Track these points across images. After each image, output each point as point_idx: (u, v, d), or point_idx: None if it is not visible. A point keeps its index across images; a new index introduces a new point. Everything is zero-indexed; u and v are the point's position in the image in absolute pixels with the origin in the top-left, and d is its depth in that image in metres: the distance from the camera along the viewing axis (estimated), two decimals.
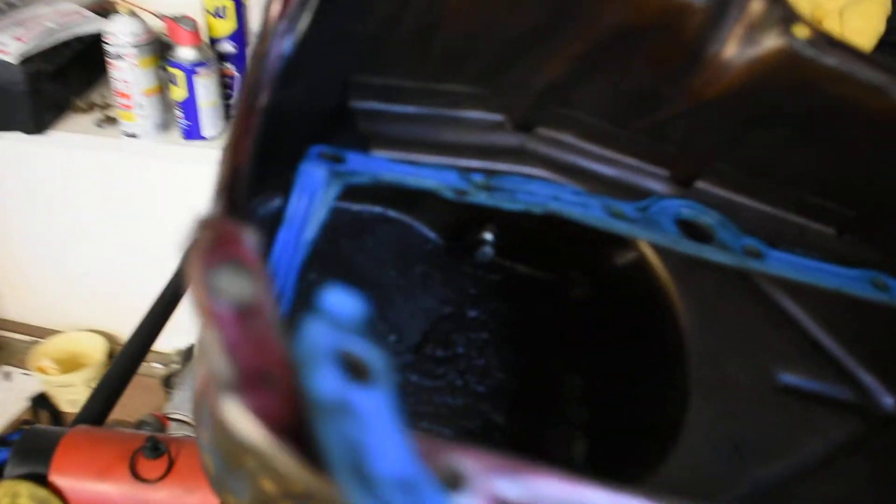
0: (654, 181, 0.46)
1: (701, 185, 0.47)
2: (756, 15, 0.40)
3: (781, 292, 0.47)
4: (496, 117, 0.45)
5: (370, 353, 0.22)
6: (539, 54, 0.40)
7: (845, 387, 0.46)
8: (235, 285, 0.22)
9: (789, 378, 0.45)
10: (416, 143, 0.42)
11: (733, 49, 0.40)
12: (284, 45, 0.32)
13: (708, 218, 0.45)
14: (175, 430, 0.80)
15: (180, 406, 0.85)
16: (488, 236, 0.50)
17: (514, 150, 0.45)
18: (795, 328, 0.46)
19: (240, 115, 0.31)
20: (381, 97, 0.42)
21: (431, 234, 0.51)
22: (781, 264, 0.44)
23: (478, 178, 0.41)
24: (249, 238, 0.23)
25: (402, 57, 0.40)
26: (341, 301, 0.24)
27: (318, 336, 0.22)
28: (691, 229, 0.45)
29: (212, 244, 0.23)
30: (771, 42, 0.39)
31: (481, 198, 0.39)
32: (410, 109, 0.43)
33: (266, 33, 0.32)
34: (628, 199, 0.45)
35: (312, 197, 0.35)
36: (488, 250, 0.50)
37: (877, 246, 0.49)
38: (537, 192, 0.42)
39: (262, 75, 0.31)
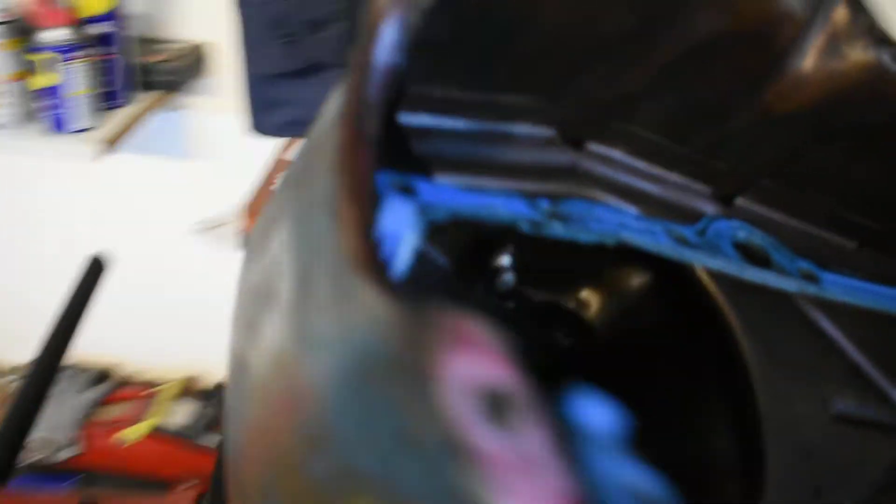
0: (697, 199, 0.43)
1: (740, 201, 0.44)
2: (840, 25, 0.36)
3: (818, 311, 0.45)
4: (547, 132, 0.40)
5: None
6: (620, 62, 0.35)
7: (886, 409, 0.45)
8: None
9: (841, 405, 0.43)
10: (471, 165, 0.37)
11: (813, 61, 0.37)
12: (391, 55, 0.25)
13: (759, 239, 0.42)
14: None
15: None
16: (506, 261, 0.45)
17: (567, 170, 0.40)
18: (836, 351, 0.44)
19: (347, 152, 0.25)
20: (434, 109, 0.36)
21: (441, 259, 0.46)
22: (838, 289, 0.41)
23: (545, 206, 0.36)
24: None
25: (473, 60, 0.34)
26: (598, 414, 0.18)
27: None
28: (747, 252, 0.42)
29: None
30: (856, 55, 0.36)
31: (557, 230, 0.34)
32: (461, 124, 0.37)
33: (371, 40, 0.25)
34: (674, 219, 0.41)
35: (397, 242, 0.29)
36: (509, 277, 0.45)
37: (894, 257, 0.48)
38: (604, 218, 0.37)
39: (368, 94, 0.25)
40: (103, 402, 1.43)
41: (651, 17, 0.34)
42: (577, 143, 0.41)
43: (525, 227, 0.35)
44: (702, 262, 0.39)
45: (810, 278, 0.42)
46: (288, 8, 0.79)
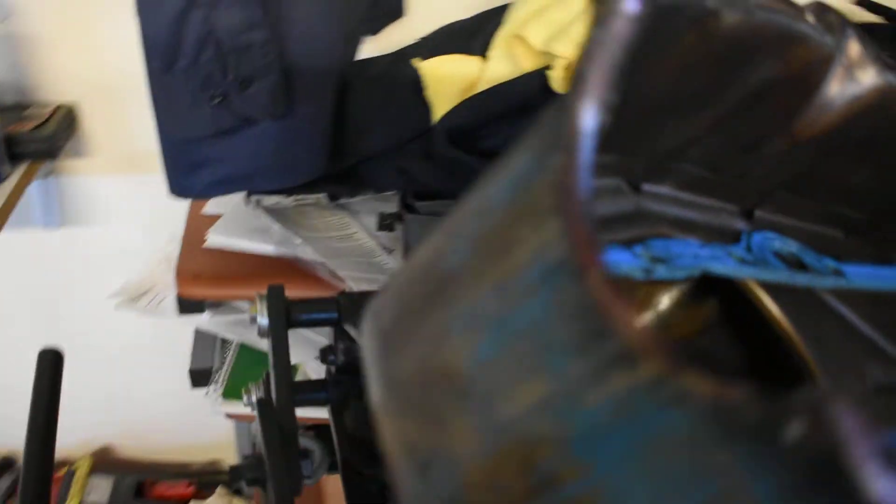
0: (731, 218, 0.48)
1: (758, 213, 0.50)
2: (854, 56, 0.42)
3: (834, 299, 0.51)
4: (614, 181, 0.43)
5: None
6: (689, 116, 0.40)
7: None
8: None
9: (874, 378, 0.49)
10: None
11: (835, 89, 0.43)
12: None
13: (789, 246, 0.48)
14: None
15: None
16: None
17: (634, 213, 0.44)
18: (856, 331, 0.51)
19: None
20: None
21: None
22: (858, 278, 0.48)
23: (640, 252, 0.39)
24: None
25: None
26: None
27: None
28: (784, 259, 0.47)
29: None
30: (868, 79, 0.43)
31: (662, 272, 0.38)
32: None
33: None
34: (721, 241, 0.46)
35: None
36: None
37: (876, 242, 0.55)
38: (681, 253, 0.41)
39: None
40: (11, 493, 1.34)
41: (723, 76, 0.38)
42: (635, 187, 0.45)
43: (640, 276, 0.38)
44: (762, 277, 0.44)
45: (838, 273, 0.48)
46: (215, 69, 0.78)
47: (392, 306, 0.38)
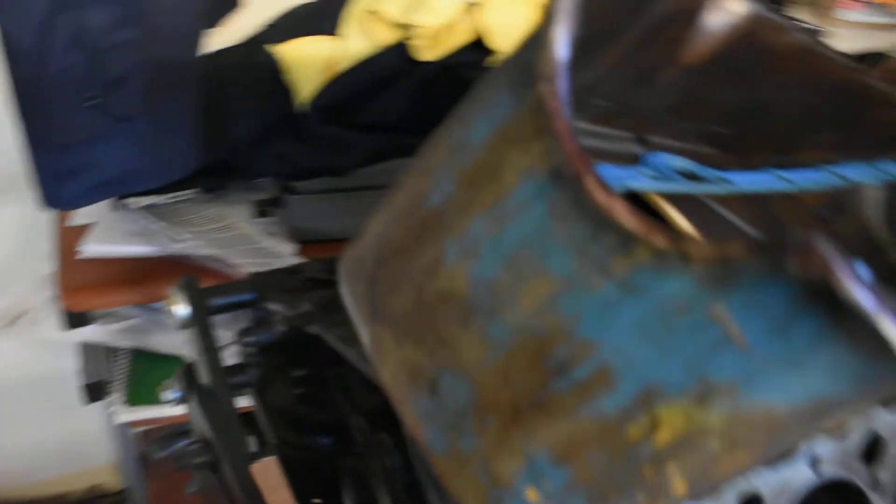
0: (631, 145, 0.55)
1: (651, 137, 0.57)
2: None
3: (718, 205, 0.60)
4: None
5: None
6: (601, 54, 0.46)
7: None
8: None
9: None
10: None
11: (712, 19, 0.50)
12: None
13: (682, 163, 0.55)
14: None
15: None
16: None
17: None
18: (740, 231, 0.59)
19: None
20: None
21: None
22: (744, 183, 0.56)
23: None
24: None
25: None
26: None
27: None
28: (684, 175, 0.55)
29: None
30: (739, 8, 0.50)
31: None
32: None
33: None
34: (628, 165, 0.53)
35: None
36: None
37: (741, 153, 0.64)
38: (607, 175, 0.48)
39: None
40: None
41: (630, 13, 0.44)
42: None
43: None
44: (675, 190, 0.51)
45: (726, 181, 0.56)
46: (87, 71, 0.77)
47: (374, 252, 0.41)
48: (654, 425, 0.33)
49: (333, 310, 0.62)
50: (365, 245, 0.42)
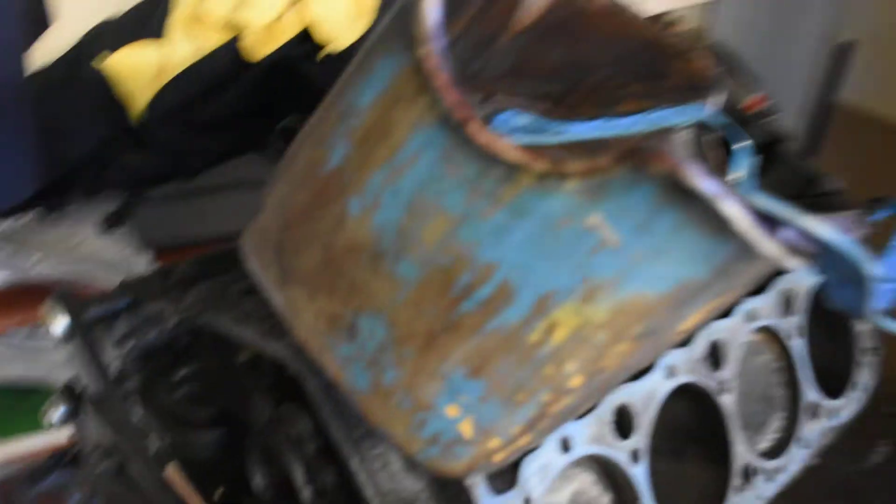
0: (481, 106, 0.61)
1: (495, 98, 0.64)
2: None
3: None
4: None
5: None
6: (451, 22, 0.52)
7: None
8: None
9: None
10: None
11: None
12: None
13: (526, 119, 0.63)
14: None
15: None
16: None
17: None
18: None
19: None
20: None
21: None
22: (580, 131, 0.64)
23: None
24: None
25: None
26: None
27: None
28: (528, 129, 0.62)
29: None
30: None
31: None
32: None
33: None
34: None
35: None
36: None
37: (569, 106, 0.72)
38: None
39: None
40: None
41: None
42: None
43: None
44: (524, 143, 0.58)
45: (562, 132, 0.64)
46: None
47: (277, 221, 0.45)
48: (550, 327, 0.39)
49: (219, 298, 0.65)
50: (267, 216, 0.46)
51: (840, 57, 1.54)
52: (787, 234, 0.36)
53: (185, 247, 0.98)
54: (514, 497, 0.52)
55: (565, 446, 0.55)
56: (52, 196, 0.97)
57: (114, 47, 0.99)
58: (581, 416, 0.57)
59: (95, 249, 0.96)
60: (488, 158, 0.37)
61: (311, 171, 0.43)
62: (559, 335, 0.39)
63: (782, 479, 0.74)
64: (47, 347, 0.91)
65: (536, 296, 0.38)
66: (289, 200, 0.45)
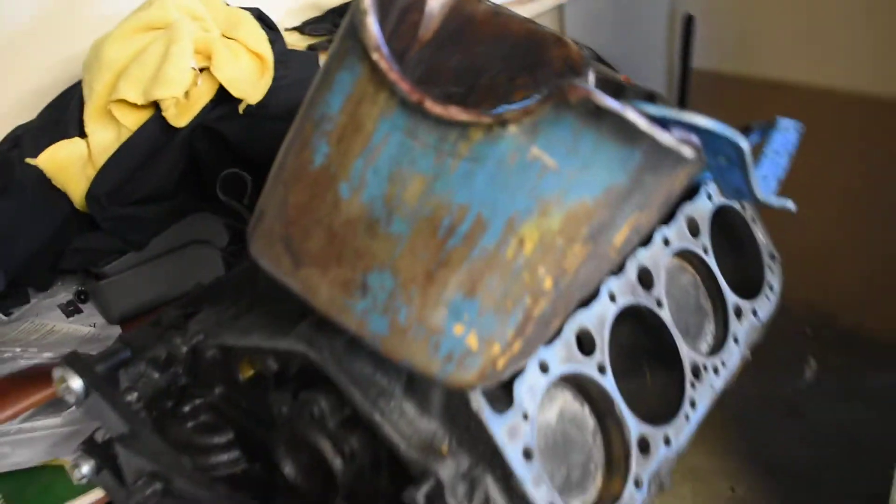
0: None
1: None
2: None
3: None
4: None
5: None
6: None
7: None
8: None
9: None
10: None
11: (432, 3, 0.71)
12: None
13: None
14: None
15: None
16: None
17: None
18: None
19: None
20: None
21: None
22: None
23: None
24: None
25: None
26: None
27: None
28: None
29: None
30: None
31: None
32: None
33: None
34: None
35: None
36: None
37: (474, 107, 0.85)
38: None
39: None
40: None
41: (385, 4, 0.63)
42: None
43: None
44: None
45: None
46: None
47: (280, 219, 0.56)
48: (520, 242, 0.51)
49: (217, 323, 0.75)
50: (268, 220, 0.57)
51: (686, 28, 1.75)
52: (676, 131, 0.50)
53: (150, 311, 1.06)
54: (513, 414, 0.63)
55: (544, 368, 0.67)
56: (9, 297, 1.04)
57: (36, 147, 1.07)
58: (551, 342, 0.69)
59: (67, 332, 1.03)
60: (444, 124, 0.49)
61: (301, 172, 0.55)
62: (528, 247, 0.51)
63: (725, 374, 0.88)
64: (45, 428, 0.98)
65: (504, 221, 0.50)
66: (286, 200, 0.56)
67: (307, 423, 0.69)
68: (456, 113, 0.49)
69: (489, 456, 0.62)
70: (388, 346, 0.54)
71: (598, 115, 0.47)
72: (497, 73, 0.84)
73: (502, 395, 0.65)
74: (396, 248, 0.52)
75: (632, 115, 0.47)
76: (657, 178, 0.53)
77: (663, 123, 0.49)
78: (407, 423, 0.64)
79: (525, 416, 0.64)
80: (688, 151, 0.50)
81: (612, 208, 0.53)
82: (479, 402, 0.61)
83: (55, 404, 0.99)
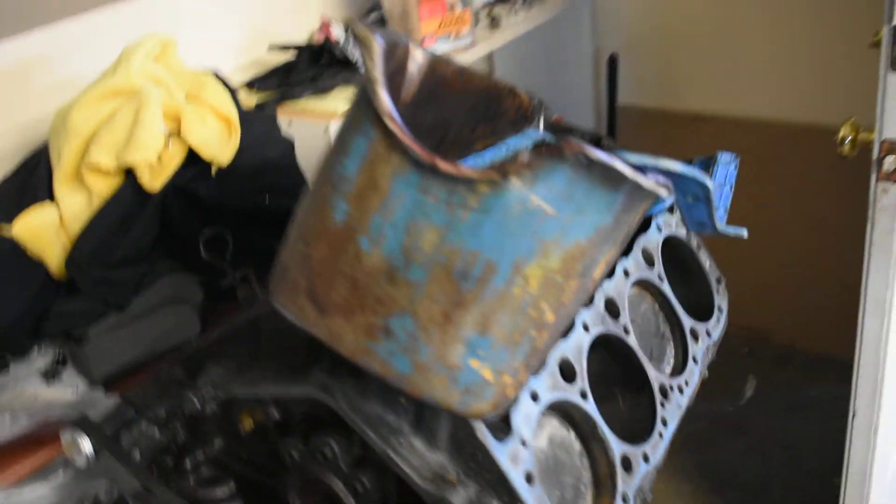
0: None
1: None
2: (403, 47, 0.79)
3: None
4: None
5: None
6: None
7: None
8: None
9: None
10: None
11: (410, 66, 0.79)
12: None
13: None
14: None
15: None
16: None
17: None
18: None
19: None
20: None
21: None
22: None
23: None
24: None
25: None
26: None
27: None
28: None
29: None
30: (421, 56, 0.79)
31: None
32: None
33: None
34: None
35: None
36: None
37: (444, 156, 0.93)
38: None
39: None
40: None
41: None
42: None
43: None
44: None
45: None
46: None
47: (304, 273, 0.63)
48: (526, 281, 0.59)
49: (227, 377, 0.80)
50: (292, 275, 0.63)
51: (611, 67, 1.87)
52: (651, 175, 0.58)
53: (132, 371, 1.10)
54: (513, 440, 0.70)
55: (535, 397, 0.74)
56: None
57: (6, 213, 1.10)
58: (538, 373, 0.76)
59: (52, 397, 1.06)
60: (453, 181, 0.56)
61: (322, 229, 0.61)
62: (533, 285, 0.58)
63: (689, 391, 0.96)
64: (33, 492, 1.00)
65: (511, 263, 0.58)
66: (309, 255, 0.62)
67: (320, 466, 0.75)
68: (465, 170, 0.56)
69: (495, 482, 0.68)
70: (411, 384, 0.60)
71: (590, 165, 0.55)
72: (462, 126, 0.92)
73: (500, 425, 0.71)
74: (416, 293, 0.58)
75: (619, 164, 0.55)
76: (630, 216, 0.61)
77: (641, 169, 0.58)
78: (417, 457, 0.70)
79: (523, 443, 0.71)
80: (664, 192, 0.58)
81: (599, 245, 0.61)
82: (483, 433, 0.68)
83: (43, 473, 1.02)
